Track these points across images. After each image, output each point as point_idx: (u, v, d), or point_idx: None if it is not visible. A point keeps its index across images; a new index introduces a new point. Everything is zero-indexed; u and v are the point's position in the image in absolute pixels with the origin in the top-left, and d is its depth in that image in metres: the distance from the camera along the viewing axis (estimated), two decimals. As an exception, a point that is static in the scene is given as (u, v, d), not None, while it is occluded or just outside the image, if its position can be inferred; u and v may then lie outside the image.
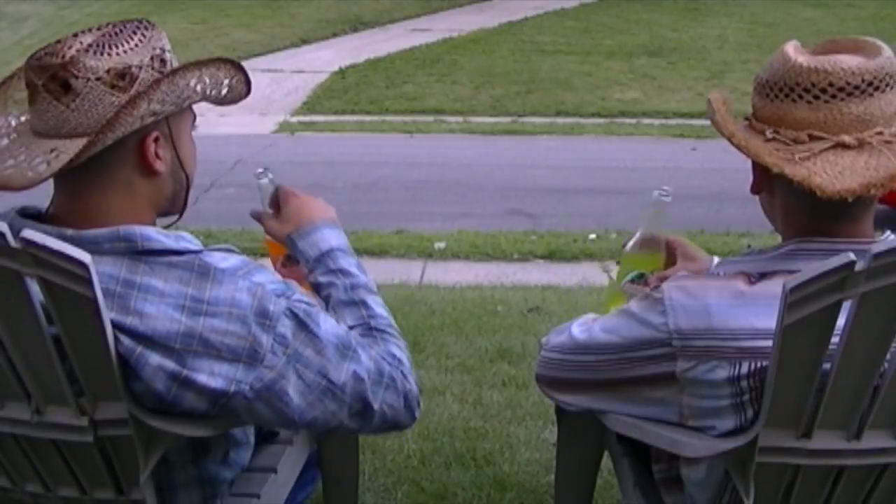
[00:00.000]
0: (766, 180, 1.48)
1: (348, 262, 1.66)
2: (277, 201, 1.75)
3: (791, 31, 14.40)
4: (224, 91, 1.55)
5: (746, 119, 1.50)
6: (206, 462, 1.63)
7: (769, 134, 1.43)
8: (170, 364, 1.39)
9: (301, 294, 1.50)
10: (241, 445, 1.74)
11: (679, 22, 15.60)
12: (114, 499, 1.51)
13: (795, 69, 1.41)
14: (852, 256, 1.23)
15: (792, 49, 1.45)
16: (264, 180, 1.80)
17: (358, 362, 1.50)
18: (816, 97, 1.40)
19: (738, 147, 1.44)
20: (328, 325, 1.49)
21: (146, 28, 1.47)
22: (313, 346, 1.47)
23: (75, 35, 1.43)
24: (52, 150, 1.40)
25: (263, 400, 1.45)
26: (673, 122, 10.78)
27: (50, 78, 1.40)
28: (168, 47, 1.49)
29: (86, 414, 1.41)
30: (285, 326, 1.44)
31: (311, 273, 1.66)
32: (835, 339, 1.32)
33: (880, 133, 1.40)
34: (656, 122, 10.93)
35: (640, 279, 1.88)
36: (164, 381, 1.40)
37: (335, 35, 15.51)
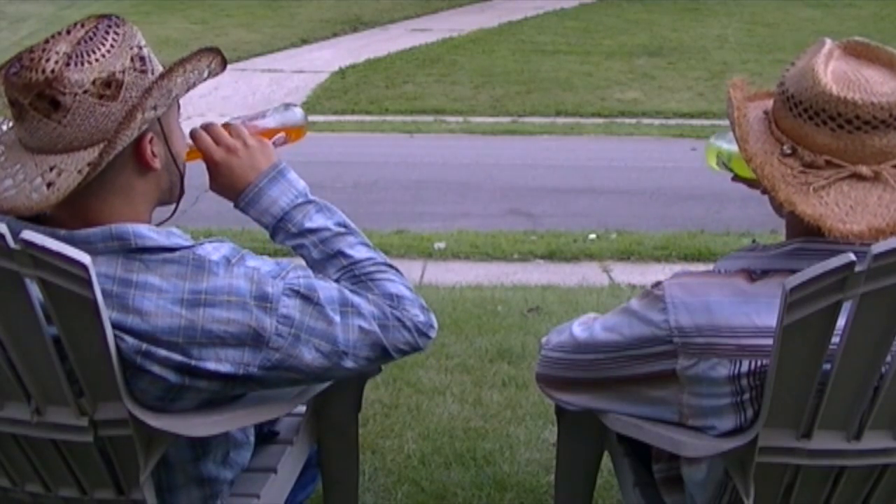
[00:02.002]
0: None
1: (308, 218, 1.61)
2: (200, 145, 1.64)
3: (791, 31, 14.42)
4: (205, 75, 1.54)
5: (765, 113, 1.49)
6: (206, 462, 1.63)
7: (787, 149, 1.41)
8: (177, 357, 1.40)
9: (295, 269, 1.51)
10: (241, 445, 1.75)
11: (679, 22, 15.59)
12: (114, 499, 1.51)
13: (824, 96, 1.37)
14: (852, 257, 1.23)
15: (822, 65, 1.40)
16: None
17: (361, 315, 1.52)
18: (840, 126, 1.37)
19: (754, 171, 1.41)
20: (326, 291, 1.51)
21: (118, 26, 1.45)
22: (322, 317, 1.49)
23: (46, 41, 1.41)
24: (51, 168, 1.40)
25: (274, 376, 1.48)
26: (673, 122, 10.77)
27: (36, 97, 1.37)
28: (143, 42, 1.47)
29: (86, 414, 1.41)
30: (288, 306, 1.46)
31: (273, 238, 1.63)
32: (835, 340, 1.32)
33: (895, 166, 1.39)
34: (656, 122, 10.92)
35: (725, 167, 1.80)
36: (174, 373, 1.42)
37: (335, 35, 15.50)
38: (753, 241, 1.59)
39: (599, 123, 10.92)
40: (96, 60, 1.39)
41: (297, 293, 1.48)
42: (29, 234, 1.28)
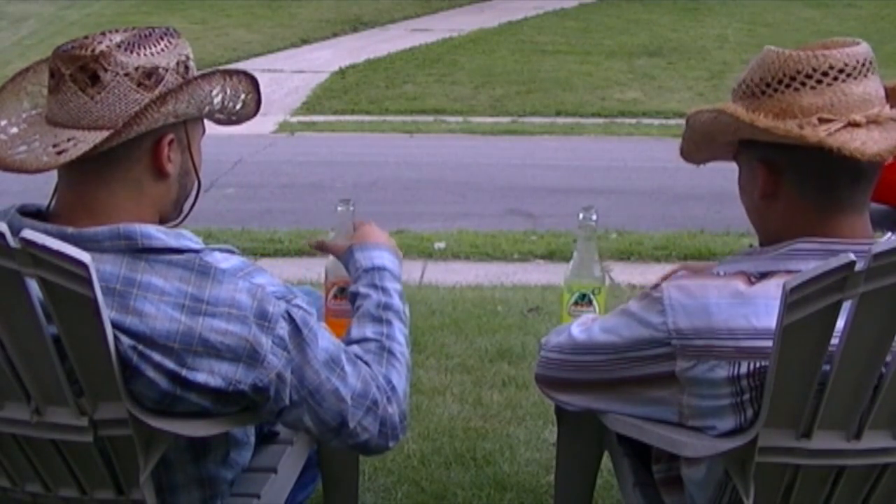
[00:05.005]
0: (771, 183, 1.48)
1: (393, 286, 1.69)
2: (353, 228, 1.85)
3: (791, 31, 14.42)
4: (238, 106, 1.57)
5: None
6: (206, 462, 1.63)
7: None
8: (169, 363, 1.40)
9: (302, 300, 1.50)
10: (241, 445, 1.74)
11: (679, 22, 15.60)
12: (114, 499, 1.51)
13: (794, 58, 1.42)
14: (852, 257, 1.23)
15: (776, 48, 1.46)
16: (342, 208, 1.92)
17: (343, 380, 1.49)
18: (819, 81, 1.41)
19: (766, 129, 1.40)
20: (322, 337, 1.50)
21: (172, 35, 1.50)
22: (303, 354, 1.47)
23: (103, 33, 1.45)
24: (69, 139, 1.42)
25: (262, 401, 1.47)
26: (673, 122, 10.76)
27: (79, 69, 1.41)
28: (192, 56, 1.51)
29: (85, 414, 1.41)
30: (283, 329, 1.45)
31: (355, 282, 1.70)
32: (835, 339, 1.32)
33: (880, 112, 1.42)
34: (656, 122, 10.93)
35: (584, 300, 1.98)
36: (167, 380, 1.41)
37: (335, 35, 15.52)
38: (751, 245, 1.60)
39: (599, 123, 10.92)
40: (145, 54, 1.44)
41: (292, 321, 1.46)
42: (29, 233, 1.28)
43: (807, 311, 1.27)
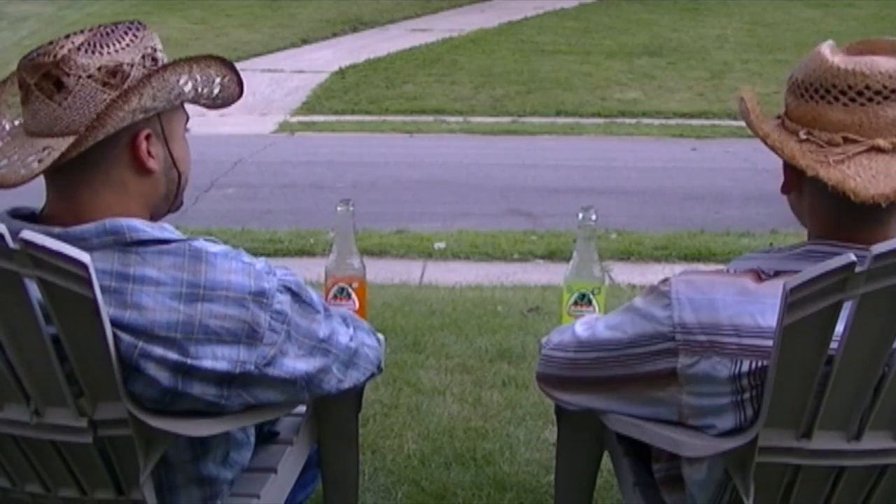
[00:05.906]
0: (795, 181, 1.48)
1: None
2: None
3: (791, 31, 14.42)
4: (216, 90, 1.55)
5: (778, 117, 1.50)
6: (206, 462, 1.63)
7: (802, 135, 1.42)
8: (173, 355, 1.40)
9: (284, 270, 1.54)
10: (241, 445, 1.74)
11: (679, 22, 15.59)
12: (114, 499, 1.51)
13: (832, 71, 1.40)
14: (853, 257, 1.23)
15: (828, 50, 1.44)
16: (342, 208, 1.96)
17: (340, 319, 1.63)
18: (853, 100, 1.39)
19: (772, 148, 1.42)
20: (314, 294, 1.58)
21: (137, 29, 1.48)
22: (307, 314, 1.52)
23: (67, 36, 1.44)
24: (44, 149, 1.41)
25: (269, 374, 1.48)
26: (673, 122, 10.77)
27: (42, 77, 1.41)
28: (159, 47, 1.49)
29: (85, 415, 1.41)
30: (282, 302, 1.47)
31: None
32: (835, 341, 1.31)
33: None
34: (656, 122, 10.91)
35: (583, 300, 2.00)
36: (169, 374, 1.41)
37: (335, 35, 15.50)
38: (771, 244, 1.59)
39: (599, 123, 10.91)
40: (108, 52, 1.43)
41: (289, 290, 1.49)
42: (28, 234, 1.28)
43: (807, 311, 1.27)
